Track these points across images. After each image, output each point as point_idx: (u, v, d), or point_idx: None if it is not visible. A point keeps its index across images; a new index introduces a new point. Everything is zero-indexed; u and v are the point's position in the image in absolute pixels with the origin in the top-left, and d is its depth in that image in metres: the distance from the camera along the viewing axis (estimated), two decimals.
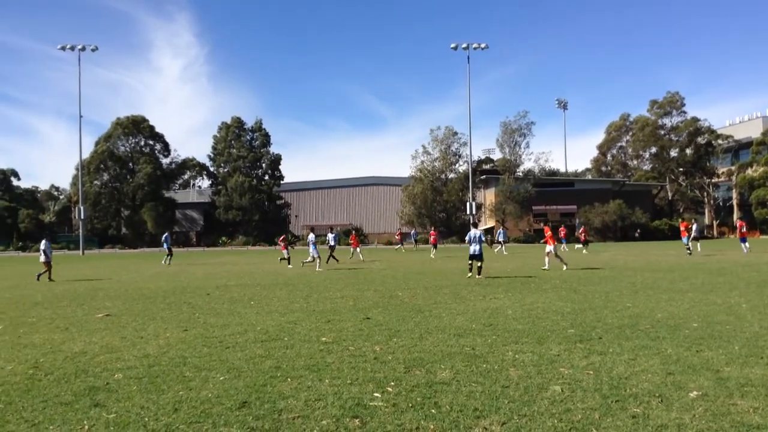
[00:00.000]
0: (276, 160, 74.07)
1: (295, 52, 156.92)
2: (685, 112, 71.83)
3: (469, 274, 16.26)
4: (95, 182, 70.82)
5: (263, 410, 4.45)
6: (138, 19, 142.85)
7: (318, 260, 22.53)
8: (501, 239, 35.00)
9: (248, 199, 69.36)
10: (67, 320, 9.53)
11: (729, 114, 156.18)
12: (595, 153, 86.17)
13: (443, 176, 65.70)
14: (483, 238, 16.67)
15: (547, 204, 63.92)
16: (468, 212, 59.03)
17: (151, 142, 74.66)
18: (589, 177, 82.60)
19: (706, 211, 74.53)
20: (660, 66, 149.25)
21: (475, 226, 17.37)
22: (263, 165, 73.76)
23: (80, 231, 60.90)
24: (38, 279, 18.53)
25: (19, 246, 66.62)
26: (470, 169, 61.34)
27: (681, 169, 73.94)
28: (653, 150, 75.02)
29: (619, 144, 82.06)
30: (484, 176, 67.76)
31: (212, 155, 74.83)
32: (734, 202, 71.39)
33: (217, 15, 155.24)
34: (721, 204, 76.01)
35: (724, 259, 22.61)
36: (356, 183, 79.26)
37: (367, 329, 7.98)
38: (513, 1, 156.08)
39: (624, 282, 14.06)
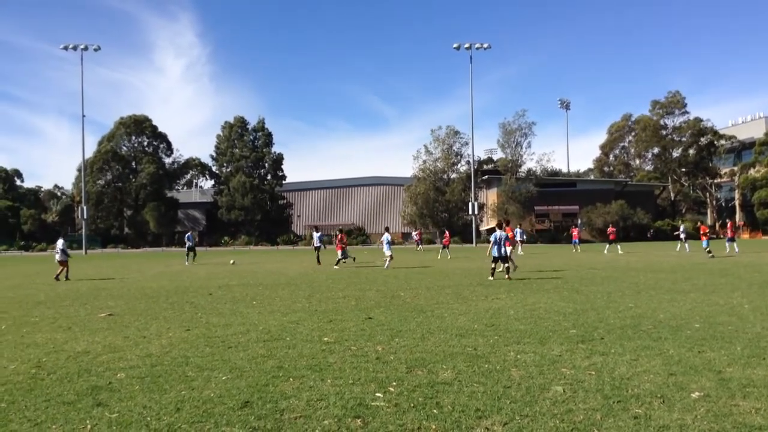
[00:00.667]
0: (278, 160, 74.11)
1: (296, 52, 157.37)
2: (687, 113, 71.89)
3: (491, 277, 15.37)
4: (98, 182, 71.01)
5: (265, 410, 4.46)
6: (140, 19, 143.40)
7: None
8: (518, 239, 34.42)
9: (250, 199, 69.39)
10: (70, 320, 9.56)
11: (731, 114, 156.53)
12: (597, 153, 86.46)
13: (445, 176, 65.70)
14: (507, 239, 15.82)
15: (549, 204, 63.77)
16: (470, 212, 59.01)
17: (153, 142, 74.90)
18: (592, 177, 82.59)
19: (709, 211, 74.30)
20: (661, 66, 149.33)
21: (500, 227, 16.03)
22: (266, 165, 73.80)
23: (83, 231, 61.09)
24: (57, 279, 18.52)
25: (22, 245, 66.80)
26: (472, 170, 61.31)
27: (683, 170, 73.85)
28: (655, 150, 74.96)
29: (622, 144, 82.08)
30: (486, 176, 67.76)
31: (215, 155, 74.97)
32: (737, 202, 71.16)
33: (218, 15, 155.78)
34: (723, 205, 75.80)
35: (726, 260, 22.59)
36: (358, 183, 79.29)
37: (369, 329, 7.98)
38: (515, 1, 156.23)
39: (626, 282, 14.04)
